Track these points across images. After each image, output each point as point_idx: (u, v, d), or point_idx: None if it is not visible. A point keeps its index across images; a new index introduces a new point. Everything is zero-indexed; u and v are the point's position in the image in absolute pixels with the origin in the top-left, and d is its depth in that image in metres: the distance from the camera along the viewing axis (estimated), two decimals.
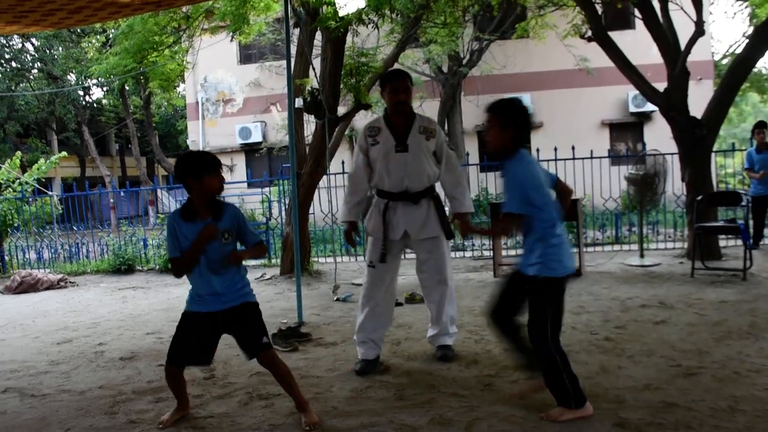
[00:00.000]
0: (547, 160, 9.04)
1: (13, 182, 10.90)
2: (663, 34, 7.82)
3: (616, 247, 9.07)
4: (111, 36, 13.41)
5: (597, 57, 10.91)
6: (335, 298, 6.57)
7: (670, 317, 5.00)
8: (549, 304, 3.03)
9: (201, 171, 3.14)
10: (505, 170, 3.06)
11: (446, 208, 4.22)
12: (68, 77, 23.97)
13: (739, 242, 7.45)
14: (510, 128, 3.07)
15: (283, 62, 16.91)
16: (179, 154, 3.54)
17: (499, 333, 3.27)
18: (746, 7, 17.12)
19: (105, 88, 25.37)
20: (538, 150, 9.37)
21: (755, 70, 23.69)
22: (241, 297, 3.26)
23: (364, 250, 8.54)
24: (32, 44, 23.23)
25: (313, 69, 7.30)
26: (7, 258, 10.79)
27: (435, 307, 4.17)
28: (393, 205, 4.05)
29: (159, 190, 23.45)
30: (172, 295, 7.54)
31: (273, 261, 9.43)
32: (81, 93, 24.69)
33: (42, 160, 11.64)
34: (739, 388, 3.34)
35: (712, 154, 8.25)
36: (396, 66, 11.78)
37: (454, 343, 4.27)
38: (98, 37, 20.92)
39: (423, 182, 4.05)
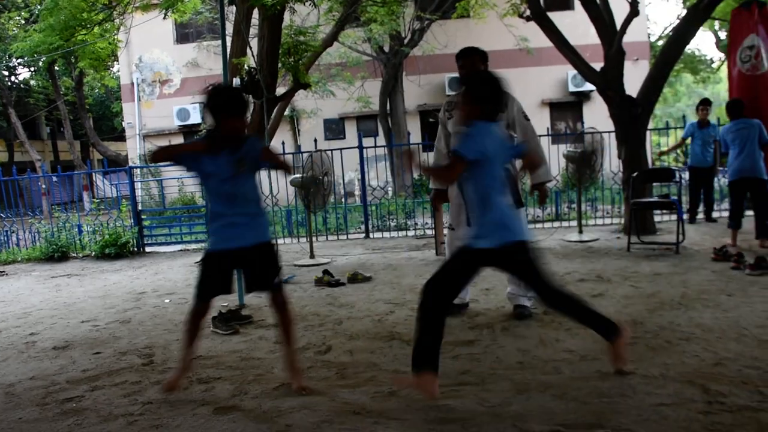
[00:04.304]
0: None
1: None
2: (600, 14, 7.96)
3: (557, 224, 9.26)
4: (35, 12, 12.73)
5: (537, 37, 11.03)
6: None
7: (607, 290, 5.14)
8: None
9: None
10: None
11: None
12: None
13: (673, 217, 7.71)
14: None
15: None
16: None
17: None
18: None
19: (32, 68, 24.19)
20: None
21: (688, 51, 24.57)
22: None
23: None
24: None
25: (251, 48, 7.12)
26: None
27: None
28: None
29: (94, 175, 22.70)
30: (109, 282, 7.31)
31: None
32: (6, 73, 23.48)
33: None
34: (670, 356, 3.45)
35: (648, 133, 8.46)
36: (335, 45, 11.69)
37: None
38: (21, 12, 19.88)
39: None
